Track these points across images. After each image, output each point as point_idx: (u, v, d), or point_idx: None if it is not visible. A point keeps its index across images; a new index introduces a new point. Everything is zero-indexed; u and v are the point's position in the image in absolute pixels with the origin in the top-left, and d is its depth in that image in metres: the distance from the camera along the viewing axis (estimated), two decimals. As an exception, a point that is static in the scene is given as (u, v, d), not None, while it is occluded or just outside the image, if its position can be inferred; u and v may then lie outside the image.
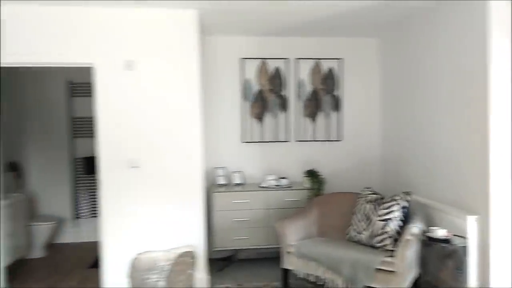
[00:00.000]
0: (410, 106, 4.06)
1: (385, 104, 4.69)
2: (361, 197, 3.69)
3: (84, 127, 5.32)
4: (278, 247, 3.73)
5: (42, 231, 4.84)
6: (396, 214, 3.29)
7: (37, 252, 4.86)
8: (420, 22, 3.82)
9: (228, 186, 4.36)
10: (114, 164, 3.65)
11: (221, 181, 4.37)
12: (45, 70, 5.00)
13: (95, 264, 4.21)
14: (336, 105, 4.74)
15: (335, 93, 4.73)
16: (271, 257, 4.32)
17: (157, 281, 2.38)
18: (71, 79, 5.33)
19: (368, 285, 3.07)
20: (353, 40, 4.72)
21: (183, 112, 3.73)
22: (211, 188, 4.26)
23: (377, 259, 3.08)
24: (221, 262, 4.39)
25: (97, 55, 3.61)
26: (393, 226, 3.26)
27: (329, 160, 4.71)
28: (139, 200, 3.67)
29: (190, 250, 2.48)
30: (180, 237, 3.66)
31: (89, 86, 3.75)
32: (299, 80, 4.67)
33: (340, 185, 4.52)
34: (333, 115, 4.74)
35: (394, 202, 3.36)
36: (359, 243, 3.46)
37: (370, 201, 3.56)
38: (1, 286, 3.56)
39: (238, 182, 4.40)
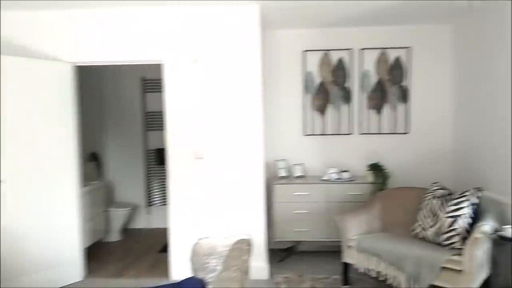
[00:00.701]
0: (485, 96, 3.77)
1: (457, 95, 4.39)
2: (428, 193, 3.51)
3: (155, 120, 5.64)
4: (339, 241, 3.69)
5: (118, 216, 5.23)
6: (466, 210, 3.09)
7: (114, 236, 5.26)
8: (496, 7, 3.52)
9: (289, 178, 4.39)
10: (180, 155, 3.86)
11: (282, 173, 4.41)
12: (121, 68, 5.38)
13: (164, 248, 4.48)
14: (403, 96, 4.54)
15: (403, 83, 4.53)
16: (331, 251, 4.28)
17: (216, 265, 2.48)
18: (144, 75, 5.68)
19: (432, 284, 2.93)
20: (422, 27, 4.47)
21: (245, 105, 3.82)
22: (272, 180, 4.32)
23: (443, 257, 2.93)
24: (281, 253, 4.45)
25: (166, 52, 3.83)
26: (461, 223, 3.07)
27: (395, 153, 4.53)
28: (203, 189, 3.86)
29: (247, 237, 2.55)
30: (240, 226, 3.80)
31: (160, 82, 3.98)
32: (363, 71, 4.54)
33: (405, 180, 4.34)
34: (400, 106, 4.55)
35: (463, 198, 3.16)
36: (424, 240, 3.31)
37: (438, 197, 3.38)
38: (81, 265, 3.94)
39: (299, 174, 4.41)
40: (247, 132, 3.83)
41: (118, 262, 4.44)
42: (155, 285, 2.44)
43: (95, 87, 5.61)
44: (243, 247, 2.37)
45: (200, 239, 2.64)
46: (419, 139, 4.53)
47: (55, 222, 3.71)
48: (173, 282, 2.48)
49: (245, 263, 2.13)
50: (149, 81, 5.68)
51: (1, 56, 3.43)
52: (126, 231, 5.54)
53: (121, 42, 3.83)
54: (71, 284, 3.80)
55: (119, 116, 5.78)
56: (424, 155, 4.53)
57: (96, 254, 4.66)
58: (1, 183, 3.37)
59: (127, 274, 4.08)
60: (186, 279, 2.44)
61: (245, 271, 2.04)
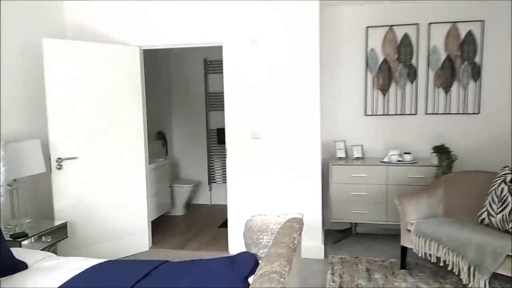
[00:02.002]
0: None
1: (538, 71, 4.00)
2: (498, 177, 3.28)
3: (217, 101, 5.79)
4: (398, 224, 3.60)
5: (182, 192, 5.51)
6: (539, 197, 2.86)
7: (178, 210, 5.56)
8: None
9: (347, 159, 4.32)
10: (238, 135, 3.96)
11: (341, 154, 4.35)
12: (186, 50, 5.57)
13: (224, 223, 4.67)
14: (475, 73, 4.22)
15: (474, 60, 4.21)
16: (389, 234, 4.19)
17: (268, 242, 2.55)
18: (207, 57, 5.83)
19: (495, 272, 2.77)
20: (498, -2, 4.10)
21: (302, 85, 3.80)
22: (330, 161, 4.28)
23: (508, 245, 2.75)
24: (338, 234, 4.43)
25: (226, 34, 3.91)
26: (533, 211, 2.84)
27: (463, 135, 4.26)
28: (259, 168, 3.94)
29: (299, 216, 2.59)
30: (296, 205, 3.84)
31: (221, 63, 4.07)
32: (431, 47, 4.28)
33: (474, 163, 4.08)
34: (471, 85, 4.24)
35: (537, 184, 2.92)
36: (490, 226, 3.11)
37: (508, 182, 3.15)
38: (148, 236, 4.24)
39: (357, 156, 4.32)
40: (304, 112, 3.81)
41: (181, 235, 4.70)
42: (211, 257, 2.57)
43: (163, 69, 5.88)
44: (294, 225, 2.41)
45: (254, 216, 2.72)
46: (491, 120, 4.21)
47: (125, 196, 4.00)
48: (228, 256, 2.60)
49: (294, 241, 2.17)
50: (211, 62, 5.82)
51: (78, 41, 3.72)
52: (189, 206, 5.84)
53: (184, 25, 3.96)
54: (138, 253, 4.10)
55: (184, 97, 6.02)
56: (495, 138, 4.20)
57: (161, 226, 4.97)
58: (76, 159, 3.69)
59: (188, 246, 4.31)
60: (240, 253, 2.55)
61: (294, 248, 2.08)
